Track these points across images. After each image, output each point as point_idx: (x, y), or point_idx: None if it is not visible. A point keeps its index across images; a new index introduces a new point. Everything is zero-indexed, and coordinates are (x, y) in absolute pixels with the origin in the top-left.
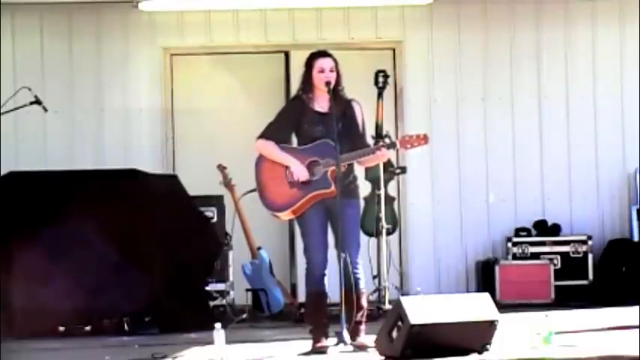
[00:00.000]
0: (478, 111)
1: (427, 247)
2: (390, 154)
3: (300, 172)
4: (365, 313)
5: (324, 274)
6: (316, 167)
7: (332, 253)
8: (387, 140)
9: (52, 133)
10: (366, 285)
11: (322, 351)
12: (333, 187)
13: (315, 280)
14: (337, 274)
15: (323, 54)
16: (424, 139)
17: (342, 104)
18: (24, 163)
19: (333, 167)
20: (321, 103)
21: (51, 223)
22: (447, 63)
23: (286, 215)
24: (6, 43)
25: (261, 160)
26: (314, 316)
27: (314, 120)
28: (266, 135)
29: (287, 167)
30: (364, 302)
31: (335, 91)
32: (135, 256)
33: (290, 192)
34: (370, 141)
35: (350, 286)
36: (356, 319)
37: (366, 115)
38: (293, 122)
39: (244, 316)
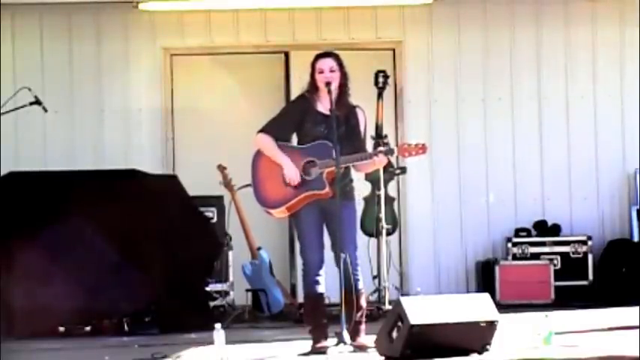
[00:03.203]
0: (478, 111)
1: (427, 248)
2: (388, 160)
3: (292, 174)
4: (364, 314)
5: (320, 275)
6: (312, 168)
7: (329, 254)
8: (386, 146)
9: (52, 133)
10: (365, 285)
11: (322, 351)
12: (327, 189)
13: (312, 281)
14: (336, 275)
15: (324, 55)
16: (422, 148)
17: (346, 107)
18: (24, 163)
19: (331, 168)
20: (325, 104)
21: (51, 223)
22: (446, 63)
23: (279, 212)
24: (6, 43)
25: (258, 155)
26: (312, 317)
27: (316, 120)
28: (266, 130)
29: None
30: (363, 303)
31: (340, 91)
32: (135, 256)
33: (284, 190)
34: (369, 143)
35: (350, 286)
36: (356, 319)
37: (366, 115)
38: (295, 121)
39: (241, 311)
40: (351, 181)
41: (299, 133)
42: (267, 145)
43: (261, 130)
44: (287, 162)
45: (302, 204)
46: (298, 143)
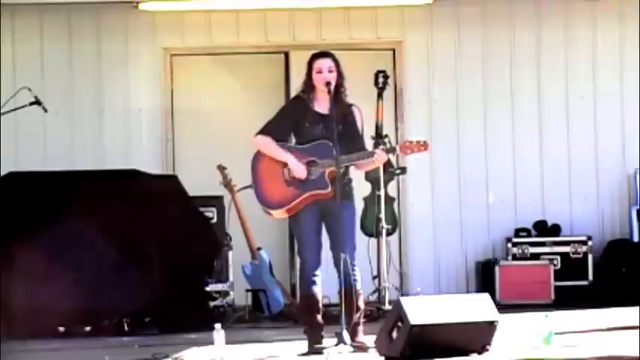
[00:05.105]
0: (478, 111)
1: (427, 248)
2: (388, 157)
3: (298, 169)
4: (362, 314)
5: (316, 275)
6: (314, 167)
7: (326, 254)
8: (386, 144)
9: (52, 133)
10: (363, 286)
11: (317, 351)
12: (330, 189)
13: (308, 281)
14: (335, 276)
15: (321, 55)
16: (424, 145)
17: (343, 107)
18: (24, 163)
19: (332, 168)
20: (322, 103)
21: (51, 223)
22: (446, 63)
23: (280, 213)
24: (6, 43)
25: (258, 156)
26: (307, 317)
27: (314, 120)
28: (265, 131)
29: (285, 165)
30: (361, 303)
31: (337, 92)
32: (135, 256)
33: (286, 190)
34: (369, 143)
35: (349, 286)
36: (354, 320)
37: (365, 115)
38: (293, 121)
39: (242, 313)
40: (350, 180)
41: (297, 133)
42: (268, 145)
43: (260, 132)
44: (291, 158)
45: (303, 204)
46: (297, 144)
